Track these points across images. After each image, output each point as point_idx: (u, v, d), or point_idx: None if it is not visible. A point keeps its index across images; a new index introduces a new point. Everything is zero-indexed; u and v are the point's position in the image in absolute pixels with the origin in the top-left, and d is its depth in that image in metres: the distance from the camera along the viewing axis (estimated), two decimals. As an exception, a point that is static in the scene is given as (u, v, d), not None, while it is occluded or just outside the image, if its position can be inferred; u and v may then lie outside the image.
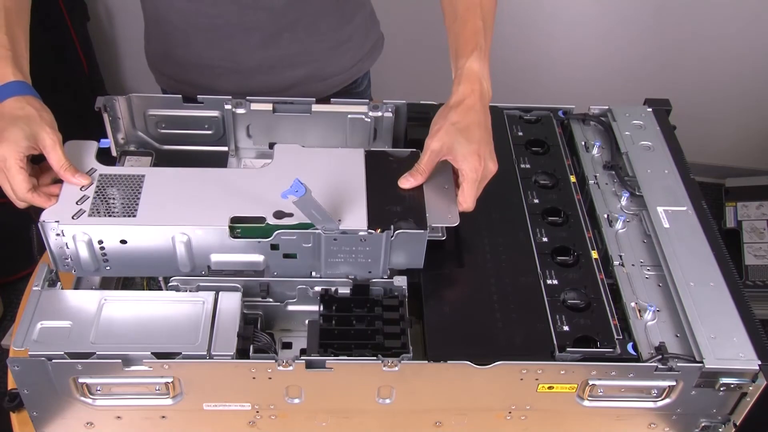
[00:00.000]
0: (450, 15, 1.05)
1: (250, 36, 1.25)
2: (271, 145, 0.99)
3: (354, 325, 0.92)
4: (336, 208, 0.92)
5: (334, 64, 1.32)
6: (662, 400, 0.92)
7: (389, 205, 0.94)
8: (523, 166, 1.13)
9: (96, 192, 0.93)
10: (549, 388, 0.90)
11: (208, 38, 1.26)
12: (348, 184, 0.96)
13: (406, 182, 0.97)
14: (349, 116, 1.13)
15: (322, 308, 0.94)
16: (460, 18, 1.03)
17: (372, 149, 1.01)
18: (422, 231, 0.92)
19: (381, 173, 0.98)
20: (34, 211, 0.97)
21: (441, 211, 0.96)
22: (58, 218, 0.90)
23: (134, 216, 0.91)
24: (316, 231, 0.90)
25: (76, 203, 0.92)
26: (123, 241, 0.91)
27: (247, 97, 1.14)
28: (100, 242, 0.91)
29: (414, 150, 1.02)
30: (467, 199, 0.95)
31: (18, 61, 0.97)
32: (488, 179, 0.97)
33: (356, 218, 0.91)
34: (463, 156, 0.94)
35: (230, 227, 0.91)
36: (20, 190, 0.91)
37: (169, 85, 1.36)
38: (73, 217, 0.90)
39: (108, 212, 0.91)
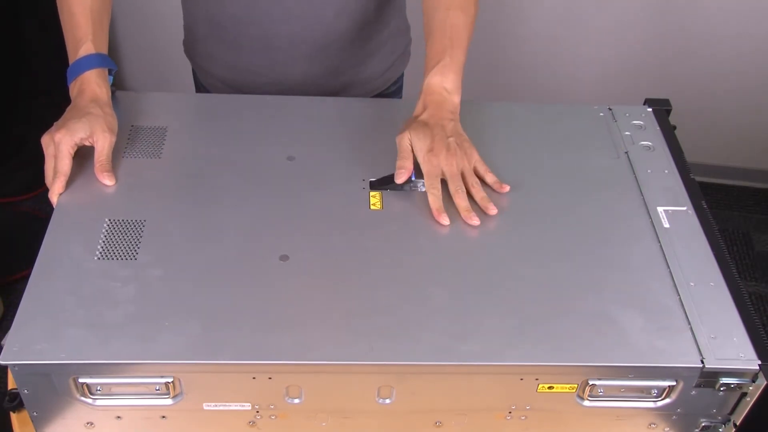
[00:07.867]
0: (426, 37, 1.12)
1: (298, 48, 1.25)
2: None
3: (354, 325, 0.92)
4: None
5: (370, 68, 1.33)
6: (662, 400, 0.92)
7: None
8: (523, 166, 1.13)
9: None
10: (549, 388, 0.90)
11: (257, 47, 1.26)
12: None
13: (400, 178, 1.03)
14: None
15: (322, 308, 0.94)
16: (430, 40, 1.10)
17: None
18: None
19: None
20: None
21: None
22: None
23: None
24: None
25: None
26: None
27: None
28: None
29: None
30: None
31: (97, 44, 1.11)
32: (465, 168, 1.02)
33: None
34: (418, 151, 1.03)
35: None
36: (62, 169, 1.02)
37: (213, 85, 1.36)
38: None
39: None
